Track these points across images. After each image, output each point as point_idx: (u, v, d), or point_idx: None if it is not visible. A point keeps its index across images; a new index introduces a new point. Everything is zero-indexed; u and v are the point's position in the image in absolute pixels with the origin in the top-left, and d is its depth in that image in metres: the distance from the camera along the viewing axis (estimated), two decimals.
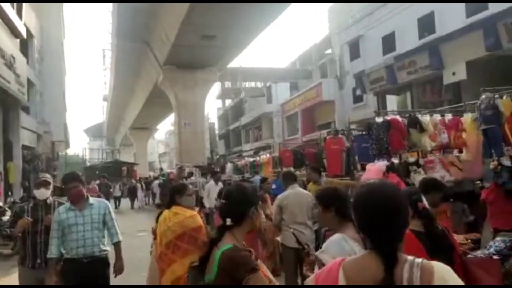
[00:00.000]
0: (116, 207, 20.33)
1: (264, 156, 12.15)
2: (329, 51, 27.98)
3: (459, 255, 2.33)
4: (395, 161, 4.87)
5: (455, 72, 14.03)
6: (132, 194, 22.33)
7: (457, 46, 13.55)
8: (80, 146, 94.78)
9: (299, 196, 4.46)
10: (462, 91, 14.71)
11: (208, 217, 7.34)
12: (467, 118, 5.05)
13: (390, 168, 4.65)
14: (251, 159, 13.77)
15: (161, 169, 37.51)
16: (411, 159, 5.00)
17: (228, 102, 48.89)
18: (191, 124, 23.71)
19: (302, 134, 27.59)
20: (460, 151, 5.25)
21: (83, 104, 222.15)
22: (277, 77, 32.82)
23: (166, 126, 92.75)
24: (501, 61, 12.80)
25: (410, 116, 4.95)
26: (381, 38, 19.15)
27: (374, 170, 4.67)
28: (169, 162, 72.22)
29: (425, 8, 16.57)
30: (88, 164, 42.76)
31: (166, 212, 3.47)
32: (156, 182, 20.83)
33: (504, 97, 3.78)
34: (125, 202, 22.33)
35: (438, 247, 2.18)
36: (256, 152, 30.33)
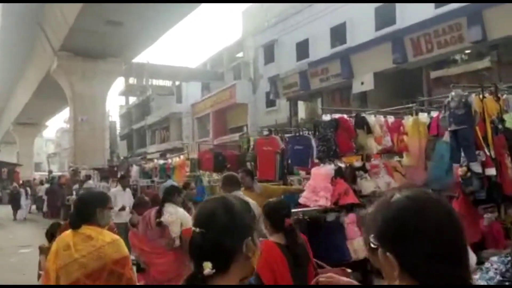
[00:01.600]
0: None
1: (176, 159, 11.00)
2: (240, 54, 27.75)
3: (314, 267, 2.52)
4: (341, 165, 4.36)
5: (364, 82, 14.65)
6: (14, 201, 18.34)
7: (366, 57, 14.13)
8: None
9: None
10: (368, 101, 15.46)
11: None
12: (408, 121, 4.80)
13: (338, 173, 4.12)
14: (161, 162, 12.47)
15: (50, 172, 33.16)
16: (357, 164, 4.56)
17: (133, 100, 45.75)
18: (89, 120, 21.14)
19: (214, 136, 26.79)
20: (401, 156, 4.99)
21: None
22: (187, 76, 31.47)
23: (57, 123, 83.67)
24: (407, 74, 13.70)
25: (357, 116, 4.50)
26: (295, 44, 19.35)
27: (322, 175, 4.09)
28: (60, 164, 64.88)
29: (338, 18, 17.12)
30: None
31: (68, 236, 2.36)
32: (43, 186, 17.96)
33: (473, 95, 3.51)
34: (5, 210, 18.80)
35: (298, 260, 2.36)
36: (163, 154, 28.46)
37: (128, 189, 7.61)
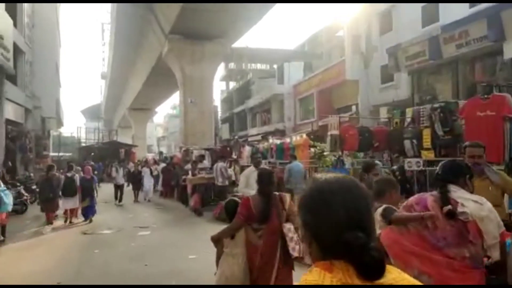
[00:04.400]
0: (118, 200, 14.96)
1: (297, 137, 9.91)
2: (340, 33, 25.67)
3: None
4: None
5: None
6: (136, 181, 16.45)
7: None
8: (75, 127, 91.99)
9: None
10: None
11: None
12: None
13: None
14: (278, 141, 11.53)
15: (161, 153, 35.32)
16: None
17: (232, 84, 46.48)
18: (198, 102, 21.34)
19: (318, 117, 25.36)
20: None
21: (80, 84, 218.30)
22: (286, 59, 30.39)
23: (165, 109, 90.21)
24: None
25: None
26: (420, 8, 16.73)
27: None
28: (167, 146, 70.03)
29: None
30: (83, 144, 40.30)
31: None
32: (160, 166, 18.50)
33: None
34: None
35: None
36: (264, 136, 28.17)
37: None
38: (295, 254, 2.94)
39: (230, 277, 2.98)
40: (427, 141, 5.54)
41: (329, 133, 6.76)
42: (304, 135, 9.61)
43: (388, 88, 18.80)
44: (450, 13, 15.12)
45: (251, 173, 5.66)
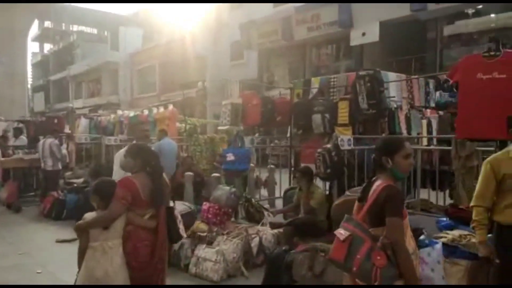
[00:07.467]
0: None
1: (160, 109, 8.07)
2: None
3: None
4: None
5: (366, 32, 12.77)
6: None
7: (371, 3, 12.16)
8: None
9: None
10: (364, 57, 13.68)
11: None
12: None
13: None
14: (131, 114, 9.38)
15: None
16: None
17: (49, 47, 38.95)
18: (5, 61, 16.45)
19: (160, 92, 23.31)
20: None
21: None
22: (120, 25, 26.86)
23: None
24: (411, 27, 12.06)
25: None
26: None
27: None
28: None
29: None
30: None
31: None
32: None
33: None
34: None
35: None
36: (93, 110, 24.43)
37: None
38: (184, 235, 3.01)
39: (102, 279, 2.50)
40: (343, 116, 4.82)
41: (227, 101, 5.39)
42: (171, 106, 7.89)
43: (237, 66, 18.36)
44: None
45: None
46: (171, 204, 2.90)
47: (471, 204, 2.40)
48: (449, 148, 4.32)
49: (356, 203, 2.17)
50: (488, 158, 2.39)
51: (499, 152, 2.42)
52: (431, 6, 10.98)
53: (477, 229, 2.32)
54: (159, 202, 2.68)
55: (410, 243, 2.01)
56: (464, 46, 11.51)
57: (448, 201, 4.85)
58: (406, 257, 1.91)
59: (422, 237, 2.78)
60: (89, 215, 2.62)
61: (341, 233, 2.00)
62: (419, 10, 11.15)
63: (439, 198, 4.90)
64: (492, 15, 10.80)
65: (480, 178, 2.38)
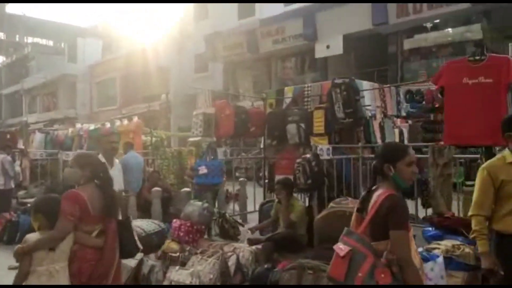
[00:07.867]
0: None
1: (124, 122, 7.63)
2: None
3: None
4: None
5: (330, 45, 12.96)
6: None
7: (336, 16, 12.37)
8: None
9: None
10: (329, 70, 13.86)
11: None
12: None
13: None
14: (91, 127, 8.83)
15: None
16: None
17: (1, 59, 36.91)
18: None
19: (121, 105, 22.48)
20: None
21: None
22: (78, 36, 25.87)
23: None
24: (377, 41, 12.39)
25: None
26: None
27: None
28: None
29: None
30: None
31: None
32: None
33: None
34: None
35: None
36: (48, 125, 23.18)
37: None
38: (141, 247, 2.81)
39: None
40: (319, 125, 4.69)
41: (199, 111, 5.10)
42: (136, 118, 7.49)
43: (202, 78, 18.06)
44: (267, 8, 15.42)
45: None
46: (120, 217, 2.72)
47: (470, 213, 2.28)
48: (423, 156, 4.29)
49: (355, 214, 1.98)
50: (484, 165, 2.30)
51: (494, 158, 2.33)
52: (392, 20, 11.29)
53: (478, 240, 2.20)
54: (113, 215, 2.53)
55: (415, 258, 1.83)
56: (423, 59, 11.92)
57: (421, 209, 4.82)
58: (415, 274, 1.73)
59: (420, 249, 2.64)
60: (30, 237, 2.38)
61: (340, 248, 1.79)
62: (380, 24, 11.45)
63: (411, 206, 4.84)
64: (449, 29, 11.30)
65: (477, 186, 2.27)
